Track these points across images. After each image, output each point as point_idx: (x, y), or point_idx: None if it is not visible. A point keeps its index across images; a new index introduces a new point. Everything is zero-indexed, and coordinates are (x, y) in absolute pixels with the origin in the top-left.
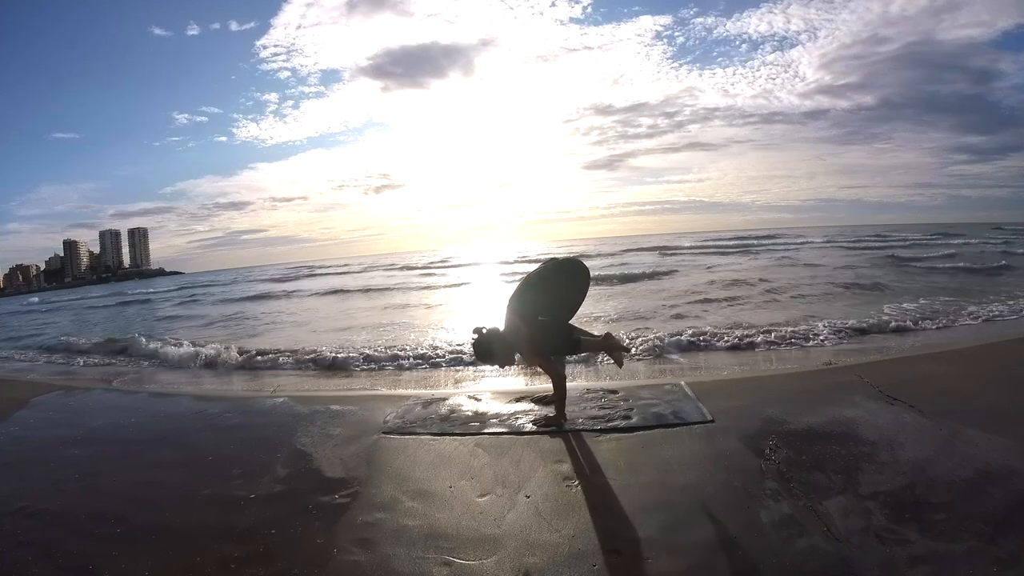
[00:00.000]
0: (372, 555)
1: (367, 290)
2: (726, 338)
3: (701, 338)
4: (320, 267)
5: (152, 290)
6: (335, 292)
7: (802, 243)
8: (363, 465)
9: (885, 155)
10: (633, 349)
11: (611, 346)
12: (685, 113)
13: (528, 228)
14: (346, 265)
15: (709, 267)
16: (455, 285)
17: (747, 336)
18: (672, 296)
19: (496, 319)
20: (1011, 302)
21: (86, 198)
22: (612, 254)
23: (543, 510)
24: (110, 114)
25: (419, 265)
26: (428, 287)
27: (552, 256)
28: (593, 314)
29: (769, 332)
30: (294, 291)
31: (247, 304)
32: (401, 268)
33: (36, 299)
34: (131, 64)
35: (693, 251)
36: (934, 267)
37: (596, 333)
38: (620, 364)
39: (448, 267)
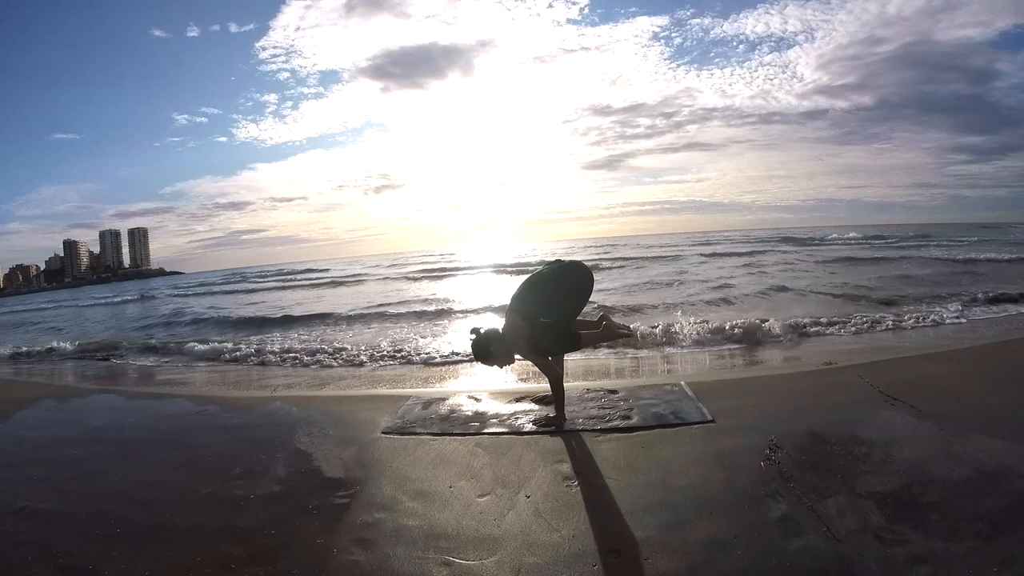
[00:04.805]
0: (372, 555)
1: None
2: None
3: None
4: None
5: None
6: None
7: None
8: (363, 465)
9: (884, 155)
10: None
11: (611, 335)
12: (683, 113)
13: (528, 228)
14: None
15: None
16: None
17: None
18: None
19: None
20: None
21: (86, 198)
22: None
23: (543, 510)
24: (110, 115)
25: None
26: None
27: (557, 258)
28: None
29: None
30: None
31: None
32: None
33: None
34: (131, 65)
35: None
36: None
37: (591, 319)
38: (631, 335)
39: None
